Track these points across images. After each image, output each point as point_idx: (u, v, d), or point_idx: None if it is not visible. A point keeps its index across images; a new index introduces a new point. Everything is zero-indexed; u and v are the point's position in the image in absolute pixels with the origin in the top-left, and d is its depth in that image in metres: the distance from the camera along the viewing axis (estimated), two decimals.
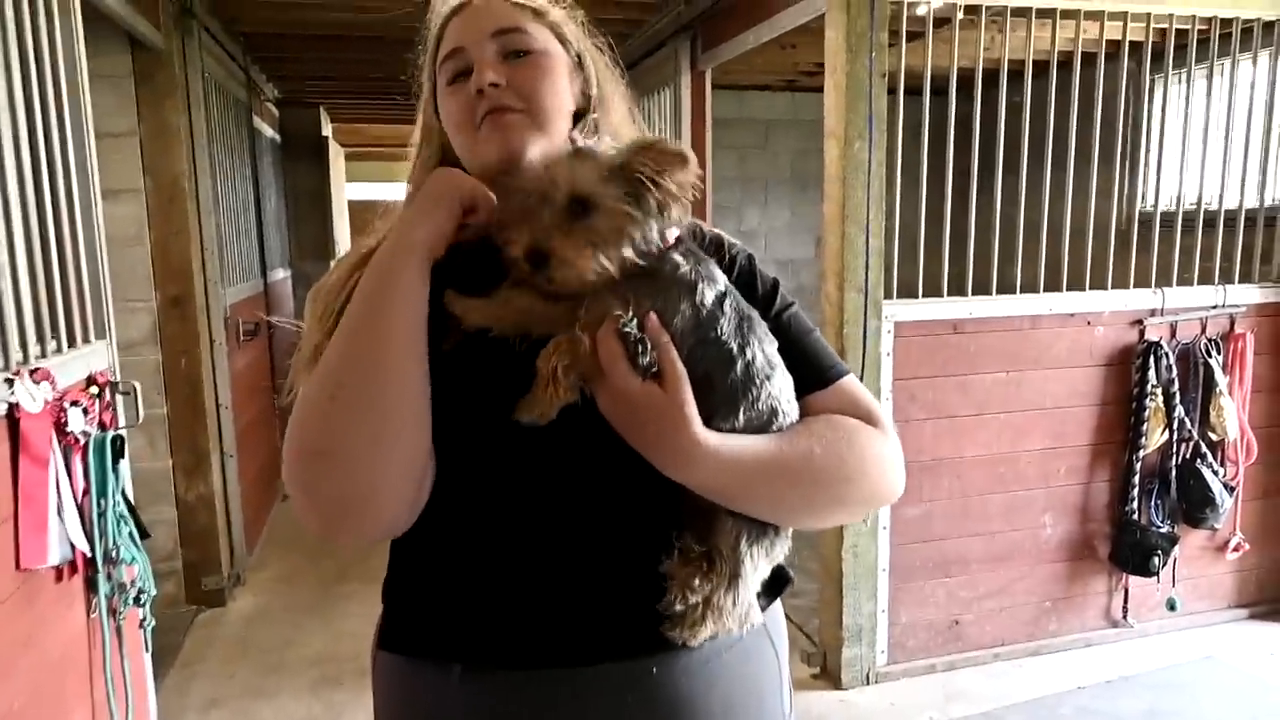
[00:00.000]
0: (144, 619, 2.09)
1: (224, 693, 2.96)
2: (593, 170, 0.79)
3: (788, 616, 1.06)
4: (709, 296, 0.83)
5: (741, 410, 0.84)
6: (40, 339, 1.83)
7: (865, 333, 2.72)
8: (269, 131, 5.56)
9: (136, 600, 2.02)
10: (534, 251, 0.78)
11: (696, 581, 0.84)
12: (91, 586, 1.91)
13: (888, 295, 2.79)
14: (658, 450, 0.81)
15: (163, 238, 3.26)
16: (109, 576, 1.93)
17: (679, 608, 0.84)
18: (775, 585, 0.96)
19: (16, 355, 1.70)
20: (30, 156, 1.83)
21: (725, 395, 0.83)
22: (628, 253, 0.79)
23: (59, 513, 1.67)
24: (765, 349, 0.86)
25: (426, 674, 0.89)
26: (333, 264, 0.97)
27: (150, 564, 2.04)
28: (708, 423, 0.82)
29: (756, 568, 0.88)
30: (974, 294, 2.93)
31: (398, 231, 0.84)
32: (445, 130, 0.95)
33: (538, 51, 0.92)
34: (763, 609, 0.93)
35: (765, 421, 0.85)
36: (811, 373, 0.92)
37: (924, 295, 2.89)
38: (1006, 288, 2.97)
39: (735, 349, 0.84)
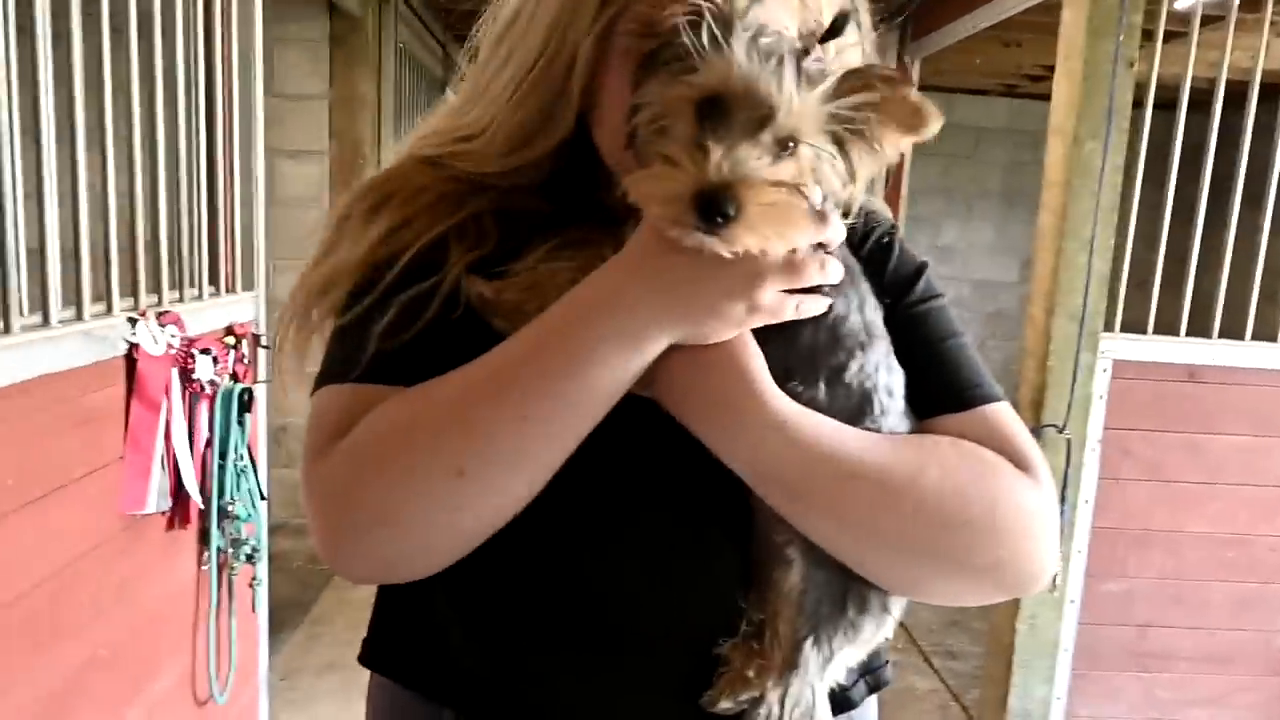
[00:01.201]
0: (255, 578, 2.06)
1: (343, 658, 2.95)
2: (817, 102, 0.55)
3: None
4: None
5: (821, 377, 0.62)
6: (179, 284, 1.81)
7: (1076, 369, 2.31)
8: None
9: (249, 558, 1.99)
10: (712, 196, 0.51)
11: (752, 673, 0.62)
12: (204, 539, 1.88)
13: (1108, 328, 2.38)
14: (703, 406, 0.60)
15: None
16: (223, 531, 1.90)
17: (725, 705, 0.63)
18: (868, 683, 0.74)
19: (150, 298, 1.68)
20: (187, 106, 1.82)
21: (802, 353, 0.62)
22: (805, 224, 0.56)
23: (162, 461, 1.62)
24: (866, 314, 0.65)
25: (417, 710, 0.70)
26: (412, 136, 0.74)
27: (278, 520, 2.00)
28: (780, 384, 0.61)
29: (827, 657, 0.64)
30: (1220, 337, 2.44)
31: (630, 295, 0.58)
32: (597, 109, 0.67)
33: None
34: (846, 707, 0.70)
35: (854, 406, 0.63)
36: (947, 387, 0.67)
37: (1154, 332, 2.45)
38: (1264, 334, 2.46)
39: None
